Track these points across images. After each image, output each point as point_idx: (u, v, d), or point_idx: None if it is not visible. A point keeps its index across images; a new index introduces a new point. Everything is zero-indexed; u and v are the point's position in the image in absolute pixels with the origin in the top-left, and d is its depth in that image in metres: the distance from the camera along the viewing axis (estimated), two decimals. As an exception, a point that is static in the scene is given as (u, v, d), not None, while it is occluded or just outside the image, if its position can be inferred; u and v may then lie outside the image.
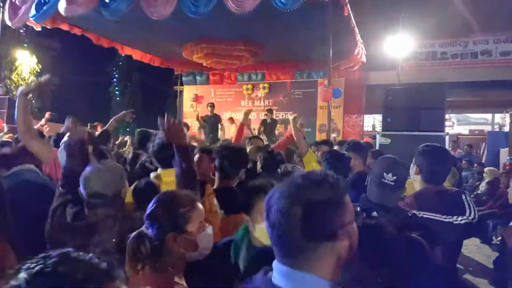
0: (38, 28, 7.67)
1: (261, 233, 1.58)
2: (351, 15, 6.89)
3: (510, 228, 1.88)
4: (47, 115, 7.08)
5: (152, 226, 1.38)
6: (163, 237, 1.36)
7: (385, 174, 2.03)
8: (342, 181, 0.96)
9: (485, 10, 10.47)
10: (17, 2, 7.36)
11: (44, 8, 6.77)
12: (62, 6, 6.46)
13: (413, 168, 2.19)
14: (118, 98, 19.81)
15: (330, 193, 0.90)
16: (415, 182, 2.22)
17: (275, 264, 0.92)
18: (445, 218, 1.84)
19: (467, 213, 1.86)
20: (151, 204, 1.43)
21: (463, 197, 2.00)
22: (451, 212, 1.84)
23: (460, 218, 1.85)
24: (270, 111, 9.96)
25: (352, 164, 3.22)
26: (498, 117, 13.41)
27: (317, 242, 0.87)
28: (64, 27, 7.80)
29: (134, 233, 1.40)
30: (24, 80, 14.50)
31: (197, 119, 9.65)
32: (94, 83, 20.15)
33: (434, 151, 2.21)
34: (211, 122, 9.39)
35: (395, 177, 2.00)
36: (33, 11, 6.90)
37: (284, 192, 0.90)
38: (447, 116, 14.41)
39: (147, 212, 1.41)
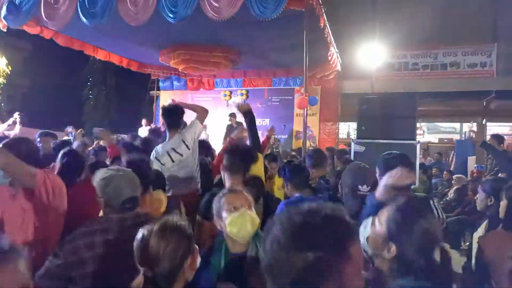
0: (4, 29, 7.42)
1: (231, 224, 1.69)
2: (327, 25, 7.04)
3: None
4: (16, 115, 6.80)
5: None
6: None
7: (359, 186, 2.09)
8: (353, 226, 0.84)
9: (453, 24, 10.97)
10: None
11: (19, 15, 6.65)
12: (43, 20, 6.47)
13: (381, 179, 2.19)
14: (92, 102, 19.32)
15: (333, 243, 0.79)
16: None
17: None
18: None
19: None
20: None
21: (431, 203, 2.08)
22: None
23: None
24: (233, 115, 9.97)
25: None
26: (466, 126, 13.95)
27: None
28: (35, 30, 7.57)
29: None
30: (-6, 82, 13.97)
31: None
32: (67, 86, 19.58)
33: (399, 159, 2.25)
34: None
35: (368, 187, 2.07)
36: (5, 15, 6.73)
37: (284, 226, 0.82)
38: (418, 124, 14.87)
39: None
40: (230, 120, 10.06)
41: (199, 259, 1.52)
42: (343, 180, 2.57)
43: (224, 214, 1.79)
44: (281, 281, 0.80)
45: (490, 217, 2.28)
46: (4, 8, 6.83)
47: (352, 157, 5.26)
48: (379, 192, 1.81)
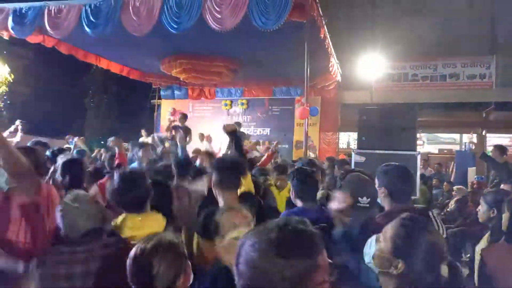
0: (6, 37, 7.50)
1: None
2: (327, 36, 7.12)
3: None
4: (17, 122, 6.82)
5: None
6: None
7: (359, 198, 2.07)
8: (319, 237, 0.90)
9: (453, 35, 11.07)
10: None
11: (25, 26, 6.78)
12: (48, 30, 6.55)
13: (381, 191, 2.16)
14: (93, 111, 19.35)
15: (303, 255, 0.85)
16: (384, 203, 2.19)
17: None
18: None
19: None
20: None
21: (431, 214, 2.06)
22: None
23: None
24: (238, 124, 9.98)
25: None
26: (465, 137, 13.98)
27: None
28: (38, 39, 7.64)
29: None
30: (-5, 89, 14.03)
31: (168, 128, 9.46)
32: (68, 94, 19.62)
33: (398, 171, 2.24)
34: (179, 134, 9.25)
35: (368, 199, 2.06)
36: (11, 26, 6.83)
37: (255, 244, 0.87)
38: (418, 135, 14.88)
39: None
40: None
41: (191, 276, 1.51)
42: (343, 191, 2.55)
43: (222, 232, 1.76)
44: None
45: (492, 229, 2.28)
46: (10, 19, 6.92)
47: (353, 167, 5.26)
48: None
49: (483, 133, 12.60)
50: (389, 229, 1.39)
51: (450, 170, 11.46)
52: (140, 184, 2.04)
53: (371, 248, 1.46)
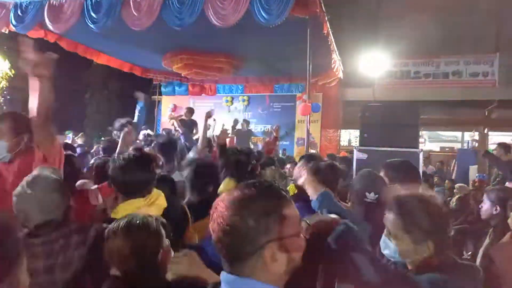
0: (5, 31, 7.47)
1: None
2: (330, 32, 7.07)
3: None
4: None
5: None
6: None
7: (367, 193, 2.07)
8: (284, 192, 0.99)
9: (455, 33, 11.01)
10: (-8, 7, 7.18)
11: (26, 20, 6.72)
12: (48, 25, 6.50)
13: (394, 188, 2.18)
14: (93, 106, 19.32)
15: (268, 205, 0.93)
16: None
17: (223, 275, 0.96)
18: None
19: None
20: None
21: None
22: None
23: None
24: (246, 122, 10.06)
25: None
26: (467, 135, 13.95)
27: (253, 253, 0.91)
28: (39, 34, 7.61)
29: None
30: (-4, 84, 14.00)
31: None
32: (69, 90, 19.55)
33: (408, 167, 2.28)
34: (187, 126, 9.31)
35: (376, 195, 2.04)
36: (13, 21, 6.80)
37: (227, 204, 0.94)
38: (419, 133, 14.87)
39: None
40: (241, 125, 10.08)
41: (171, 252, 1.52)
42: (352, 186, 2.55)
43: None
44: (233, 250, 0.93)
45: (495, 226, 2.26)
46: (11, 14, 6.89)
47: (354, 165, 5.24)
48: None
49: (485, 131, 12.57)
50: (389, 220, 1.45)
51: (452, 168, 11.45)
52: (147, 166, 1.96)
53: (389, 245, 1.48)
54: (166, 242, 1.53)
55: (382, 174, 2.32)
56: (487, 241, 2.23)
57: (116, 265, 1.45)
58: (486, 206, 2.39)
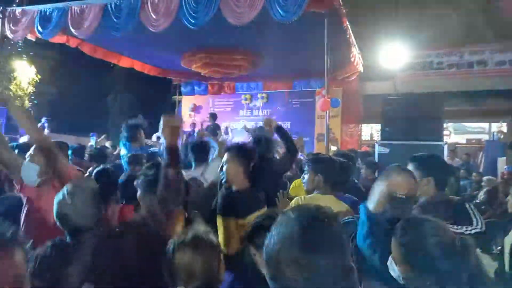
0: (33, 38, 7.73)
1: None
2: (349, 26, 6.97)
3: None
4: (43, 120, 6.97)
5: None
6: None
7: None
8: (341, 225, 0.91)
9: (480, 21, 10.64)
10: (17, 14, 7.44)
11: (50, 27, 6.95)
12: (72, 30, 6.76)
13: (427, 180, 2.14)
14: (116, 108, 19.78)
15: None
16: (424, 194, 2.14)
17: None
18: (456, 229, 1.82)
19: (475, 223, 1.84)
20: None
21: (467, 206, 1.99)
22: (457, 221, 1.82)
23: (470, 228, 1.83)
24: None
25: None
26: (495, 126, 13.49)
27: None
28: (62, 39, 7.84)
29: None
30: (23, 90, 14.53)
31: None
32: (93, 93, 20.09)
33: (440, 160, 2.22)
34: (210, 131, 9.45)
35: (406, 191, 2.00)
36: (39, 28, 7.04)
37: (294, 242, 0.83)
38: (444, 125, 14.47)
39: None
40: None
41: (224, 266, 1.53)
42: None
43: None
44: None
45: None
46: (37, 21, 7.13)
47: (376, 159, 5.17)
48: (374, 203, 1.69)
49: (514, 121, 12.10)
50: (394, 251, 1.35)
51: (479, 160, 11.10)
52: None
53: (395, 270, 1.41)
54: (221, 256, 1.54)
55: (410, 168, 2.27)
56: (515, 234, 2.16)
57: (182, 280, 1.42)
58: (512, 200, 2.31)
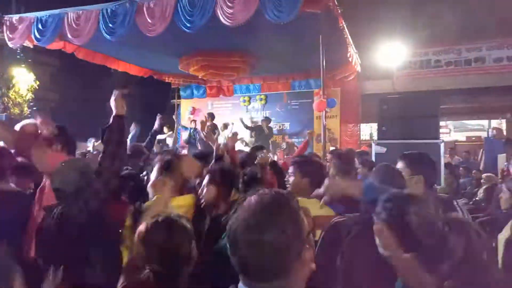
0: (31, 45, 7.77)
1: None
2: (345, 25, 6.98)
3: None
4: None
5: None
6: None
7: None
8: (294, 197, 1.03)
9: (477, 18, 10.63)
10: (14, 21, 7.47)
11: (47, 34, 7.00)
12: (69, 37, 6.79)
13: (417, 178, 2.15)
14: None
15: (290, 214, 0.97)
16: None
17: None
18: None
19: None
20: None
21: (455, 203, 2.02)
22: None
23: None
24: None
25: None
26: (494, 123, 13.47)
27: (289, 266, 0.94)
28: (59, 45, 7.86)
29: None
30: (22, 97, 14.57)
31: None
32: (92, 98, 20.15)
33: (429, 158, 2.25)
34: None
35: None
36: (36, 35, 7.08)
37: (251, 222, 0.94)
38: (444, 123, 14.45)
39: None
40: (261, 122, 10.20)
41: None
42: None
43: None
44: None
45: (518, 217, 2.19)
46: (33, 28, 7.16)
47: (373, 159, 5.16)
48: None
49: (513, 118, 12.08)
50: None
51: (479, 157, 11.07)
52: None
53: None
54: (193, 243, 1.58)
55: (400, 166, 2.28)
56: (508, 232, 2.15)
57: (153, 261, 1.47)
58: (505, 196, 2.33)
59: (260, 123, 10.69)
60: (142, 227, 1.53)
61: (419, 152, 2.36)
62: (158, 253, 1.46)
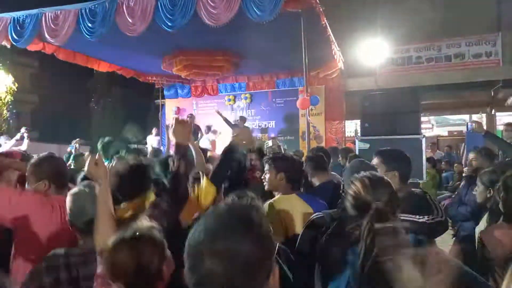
0: (8, 45, 7.55)
1: None
2: (327, 23, 7.02)
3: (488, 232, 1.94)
4: (23, 129, 6.76)
5: None
6: None
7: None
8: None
9: (456, 14, 10.84)
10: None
11: (25, 35, 6.85)
12: (47, 37, 6.64)
13: (392, 174, 2.19)
14: (99, 114, 19.57)
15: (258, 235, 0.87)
16: None
17: None
18: (418, 218, 1.88)
19: (435, 213, 1.91)
20: None
21: (428, 197, 2.07)
22: (419, 212, 1.89)
23: (431, 217, 1.89)
24: (242, 118, 10.21)
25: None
26: (475, 118, 13.78)
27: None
28: (38, 47, 7.68)
29: None
30: (1, 100, 14.20)
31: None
32: (74, 100, 19.82)
33: (404, 155, 2.31)
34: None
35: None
36: (14, 36, 6.91)
37: (220, 232, 0.84)
38: (426, 118, 14.72)
39: None
40: (237, 122, 10.14)
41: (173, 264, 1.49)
42: (344, 178, 2.55)
43: None
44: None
45: (490, 209, 2.25)
46: (11, 31, 6.97)
47: (357, 154, 5.22)
48: None
49: (493, 112, 12.36)
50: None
51: (462, 151, 11.31)
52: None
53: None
54: (168, 252, 1.48)
55: (375, 162, 2.32)
56: (484, 224, 2.21)
57: (118, 279, 1.39)
58: (479, 189, 2.38)
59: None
60: (108, 245, 1.44)
61: (394, 149, 2.43)
62: (125, 272, 1.37)
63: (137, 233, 1.44)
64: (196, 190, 2.02)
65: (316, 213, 2.00)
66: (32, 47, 7.58)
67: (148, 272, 1.38)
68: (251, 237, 0.83)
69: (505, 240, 1.72)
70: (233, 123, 10.02)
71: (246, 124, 9.80)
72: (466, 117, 14.33)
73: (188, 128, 1.95)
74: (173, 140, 1.91)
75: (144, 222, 1.56)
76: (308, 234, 1.89)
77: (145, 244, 1.41)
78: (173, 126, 1.90)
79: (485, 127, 8.95)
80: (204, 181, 2.02)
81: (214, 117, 11.80)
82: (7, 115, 14.30)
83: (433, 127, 15.43)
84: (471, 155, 3.36)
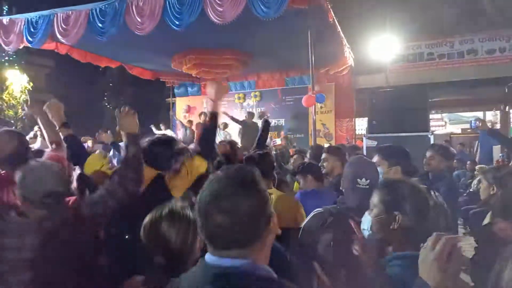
0: (20, 47, 7.72)
1: None
2: (335, 20, 6.97)
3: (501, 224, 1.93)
4: (36, 128, 6.91)
5: None
6: None
7: (358, 179, 2.06)
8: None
9: (469, 10, 10.63)
10: (5, 23, 7.44)
11: (38, 35, 6.99)
12: (59, 37, 6.78)
13: (394, 169, 2.21)
14: (110, 113, 19.84)
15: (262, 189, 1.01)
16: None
17: (222, 260, 0.98)
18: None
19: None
20: None
21: (432, 193, 2.06)
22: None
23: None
24: (251, 114, 10.15)
25: (332, 167, 3.29)
26: (489, 115, 13.51)
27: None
28: (51, 46, 7.84)
29: None
30: (16, 99, 14.53)
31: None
32: (87, 98, 20.13)
33: (404, 150, 2.31)
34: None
35: (368, 181, 2.03)
36: (28, 38, 7.07)
37: (222, 192, 0.97)
38: (439, 115, 14.50)
39: None
40: (245, 117, 10.14)
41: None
42: (344, 173, 2.55)
43: None
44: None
45: (494, 206, 2.23)
46: (25, 32, 7.13)
47: (364, 153, 5.18)
48: None
49: (507, 109, 12.11)
50: (374, 196, 1.53)
51: (475, 149, 11.10)
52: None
53: (367, 220, 1.56)
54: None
55: (376, 159, 2.31)
56: (488, 221, 2.18)
57: (158, 252, 1.50)
58: (483, 186, 2.36)
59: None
60: (146, 220, 1.58)
61: (392, 145, 2.45)
62: (162, 247, 1.50)
63: (174, 211, 1.57)
64: (187, 165, 2.22)
65: (317, 209, 2.04)
66: (45, 47, 7.74)
67: (181, 249, 1.50)
68: (249, 192, 0.97)
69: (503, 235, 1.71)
70: (241, 120, 10.04)
71: (254, 120, 9.77)
72: (480, 114, 14.06)
73: (134, 117, 2.06)
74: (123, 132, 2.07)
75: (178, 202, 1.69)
76: (309, 226, 1.98)
77: (179, 222, 1.54)
78: (119, 120, 2.04)
79: (499, 125, 8.82)
80: (195, 157, 2.26)
81: (224, 117, 11.88)
82: (22, 113, 14.63)
83: (446, 124, 15.19)
84: (428, 153, 3.26)
